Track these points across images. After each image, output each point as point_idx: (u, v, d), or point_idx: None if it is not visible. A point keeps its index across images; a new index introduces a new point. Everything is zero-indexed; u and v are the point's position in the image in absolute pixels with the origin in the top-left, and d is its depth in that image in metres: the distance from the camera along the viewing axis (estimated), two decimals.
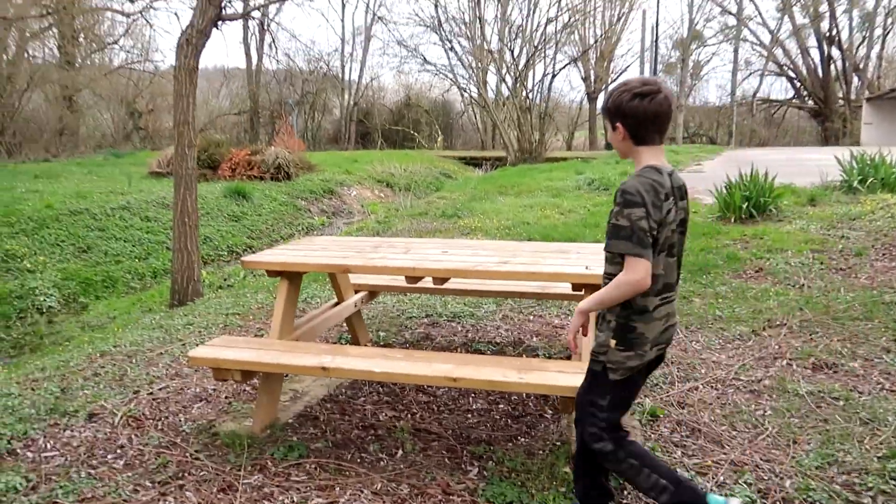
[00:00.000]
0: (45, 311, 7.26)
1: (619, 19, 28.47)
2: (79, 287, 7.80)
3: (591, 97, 31.35)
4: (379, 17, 27.29)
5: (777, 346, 3.82)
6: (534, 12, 25.25)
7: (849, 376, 3.37)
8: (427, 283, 3.28)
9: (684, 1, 34.85)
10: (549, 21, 24.40)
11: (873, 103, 31.37)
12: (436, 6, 24.68)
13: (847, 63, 34.98)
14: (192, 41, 6.08)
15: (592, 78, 30.89)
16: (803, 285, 5.08)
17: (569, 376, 2.46)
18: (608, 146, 30.23)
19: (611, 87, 2.14)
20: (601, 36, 28.83)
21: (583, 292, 2.86)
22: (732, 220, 7.58)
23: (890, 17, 34.57)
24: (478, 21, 25.03)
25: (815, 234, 6.62)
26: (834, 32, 34.48)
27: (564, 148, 32.29)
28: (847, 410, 2.98)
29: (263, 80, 30.86)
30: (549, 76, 27.56)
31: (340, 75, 35.14)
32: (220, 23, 6.44)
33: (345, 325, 4.06)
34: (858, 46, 35.29)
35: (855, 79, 35.44)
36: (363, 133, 35.70)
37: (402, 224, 8.79)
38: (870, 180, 8.57)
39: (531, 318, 4.65)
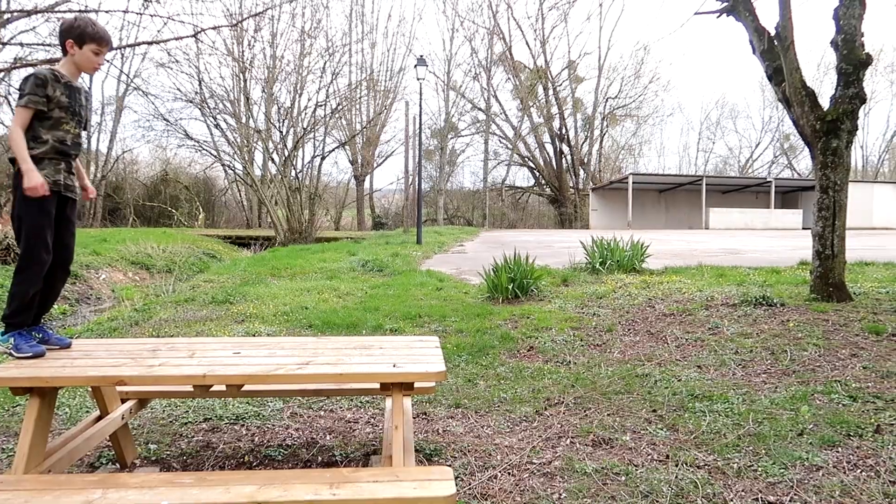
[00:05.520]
0: None
1: (382, 110, 30.07)
2: None
3: (359, 180, 32.31)
4: (135, 88, 25.46)
5: (559, 426, 4.07)
6: (301, 95, 25.60)
7: (624, 450, 3.68)
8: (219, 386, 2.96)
9: (441, 96, 38.22)
10: (318, 105, 24.88)
11: (597, 192, 36.69)
12: (200, 83, 23.83)
13: (574, 158, 40.68)
14: None
15: (360, 161, 31.93)
16: (570, 362, 5.55)
17: (385, 486, 2.34)
18: (375, 226, 31.15)
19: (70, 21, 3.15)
20: (367, 123, 30.12)
21: (391, 392, 2.78)
22: (500, 300, 8.13)
23: (605, 122, 41.17)
24: (244, 99, 24.65)
25: (571, 312, 7.34)
26: (563, 131, 40.06)
27: (333, 227, 32.61)
28: (629, 485, 3.23)
29: None
30: (319, 157, 27.93)
31: (86, 146, 32.01)
32: None
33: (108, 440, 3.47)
34: (583, 144, 41.36)
35: (582, 171, 41.28)
36: (112, 209, 32.62)
37: (166, 312, 7.98)
38: (608, 262, 9.84)
39: (322, 413, 4.42)
